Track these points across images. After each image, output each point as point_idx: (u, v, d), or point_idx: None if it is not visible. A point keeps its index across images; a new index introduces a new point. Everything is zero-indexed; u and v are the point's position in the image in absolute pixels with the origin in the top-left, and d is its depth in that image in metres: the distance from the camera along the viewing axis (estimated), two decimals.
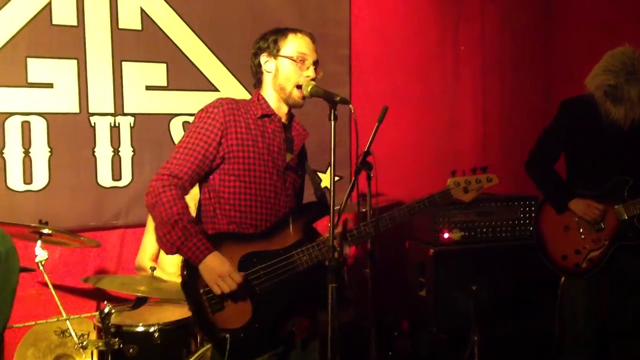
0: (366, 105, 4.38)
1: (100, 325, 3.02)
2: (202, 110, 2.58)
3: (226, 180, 2.55)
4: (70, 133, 3.91)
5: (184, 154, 2.50)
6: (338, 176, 4.61)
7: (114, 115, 4.02)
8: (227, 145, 2.52)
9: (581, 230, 3.53)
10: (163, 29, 4.15)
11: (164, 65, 4.17)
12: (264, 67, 2.65)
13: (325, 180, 4.55)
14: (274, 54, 2.62)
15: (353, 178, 3.45)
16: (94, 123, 3.97)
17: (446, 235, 4.28)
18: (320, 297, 2.47)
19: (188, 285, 2.47)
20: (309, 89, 2.56)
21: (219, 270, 2.38)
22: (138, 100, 4.10)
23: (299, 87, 2.61)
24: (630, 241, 3.46)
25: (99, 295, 3.87)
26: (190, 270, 2.44)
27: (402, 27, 5.01)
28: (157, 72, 4.15)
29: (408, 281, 4.44)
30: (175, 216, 2.39)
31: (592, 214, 3.46)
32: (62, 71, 3.88)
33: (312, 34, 2.70)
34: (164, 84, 4.18)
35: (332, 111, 2.41)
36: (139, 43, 4.08)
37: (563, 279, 3.65)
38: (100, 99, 3.98)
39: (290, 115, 2.74)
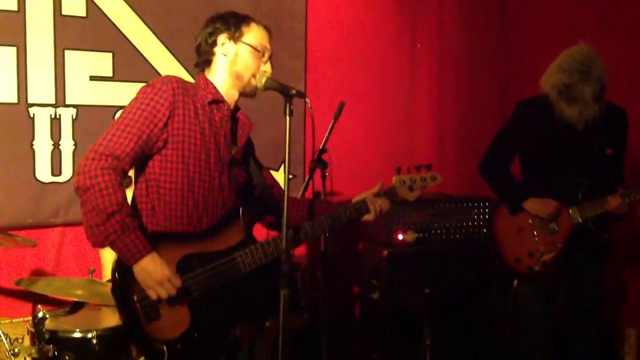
0: (322, 101, 4.31)
1: (33, 330, 2.83)
2: (148, 85, 2.36)
3: (168, 168, 2.34)
4: (7, 124, 3.69)
5: (127, 132, 2.24)
6: (292, 174, 4.48)
7: (54, 106, 3.82)
8: (172, 128, 2.32)
9: (535, 232, 3.48)
10: (109, 16, 3.96)
11: (110, 54, 3.98)
12: (220, 49, 2.47)
13: (278, 178, 4.41)
14: (235, 38, 2.46)
15: (307, 176, 3.39)
16: (33, 114, 3.76)
17: (400, 237, 4.21)
18: (267, 300, 2.39)
19: (119, 290, 2.25)
20: (262, 81, 2.44)
21: (158, 273, 2.18)
22: (81, 91, 3.90)
23: (254, 77, 2.49)
24: (584, 245, 3.41)
25: (35, 298, 3.66)
26: (122, 273, 2.23)
27: (359, 21, 4.91)
28: (102, 62, 3.95)
29: (361, 283, 4.35)
30: (114, 206, 2.15)
31: (546, 210, 3.41)
32: None
33: (270, 28, 2.58)
34: (110, 74, 3.99)
35: (288, 105, 2.29)
36: (84, 31, 3.88)
37: (516, 282, 3.61)
38: (41, 89, 3.77)
39: (236, 105, 2.57)
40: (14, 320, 3.19)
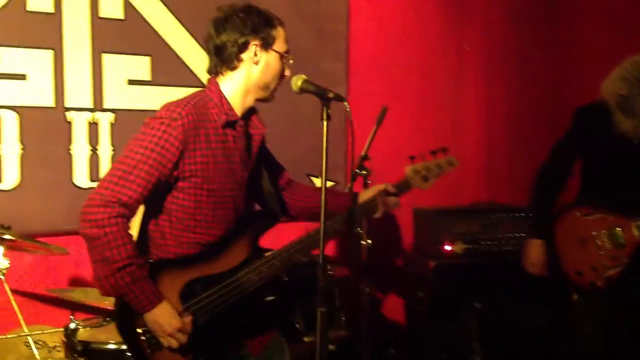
0: (364, 106, 4.13)
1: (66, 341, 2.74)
2: (157, 119, 2.21)
3: (180, 198, 2.25)
4: (45, 129, 3.61)
5: (135, 175, 2.14)
6: (333, 181, 4.34)
7: (92, 110, 3.74)
8: (182, 164, 2.21)
9: (599, 245, 3.26)
10: (147, 19, 3.86)
11: (148, 58, 3.88)
12: (252, 57, 2.31)
13: (319, 185, 4.28)
14: (267, 45, 2.33)
15: (349, 184, 3.23)
16: (71, 119, 3.68)
17: (448, 248, 4.03)
18: (274, 312, 2.39)
19: (124, 324, 2.23)
20: (299, 83, 2.27)
21: (168, 326, 2.16)
22: (119, 95, 3.81)
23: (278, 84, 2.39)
24: None
25: (72, 307, 3.58)
26: (124, 308, 2.19)
27: (403, 22, 4.74)
28: (141, 65, 3.86)
29: (406, 296, 4.18)
30: (125, 260, 2.10)
31: (533, 267, 3.39)
32: (36, 62, 3.59)
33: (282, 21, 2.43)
34: (148, 78, 3.89)
35: (325, 109, 2.17)
36: (121, 33, 3.79)
37: (575, 297, 3.39)
38: (78, 93, 3.69)
39: (251, 108, 2.44)
40: (44, 332, 3.10)
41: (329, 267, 3.13)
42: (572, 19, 5.10)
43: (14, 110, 3.55)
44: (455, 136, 4.97)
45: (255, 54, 2.31)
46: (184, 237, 2.27)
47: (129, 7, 3.80)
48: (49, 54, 3.62)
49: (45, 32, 3.60)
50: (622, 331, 3.35)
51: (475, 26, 5.02)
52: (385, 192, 2.58)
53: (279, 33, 2.35)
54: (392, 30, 4.70)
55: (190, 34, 3.99)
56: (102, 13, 3.74)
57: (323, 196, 2.13)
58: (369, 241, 3.12)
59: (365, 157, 3.21)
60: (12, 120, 3.55)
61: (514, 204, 4.37)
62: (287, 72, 2.40)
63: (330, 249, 3.50)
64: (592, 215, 3.32)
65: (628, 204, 3.22)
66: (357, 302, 3.81)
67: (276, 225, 2.46)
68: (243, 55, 2.30)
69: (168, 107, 2.24)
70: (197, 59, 4.00)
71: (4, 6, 3.50)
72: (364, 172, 3.13)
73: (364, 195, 2.60)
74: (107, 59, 3.77)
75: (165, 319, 2.15)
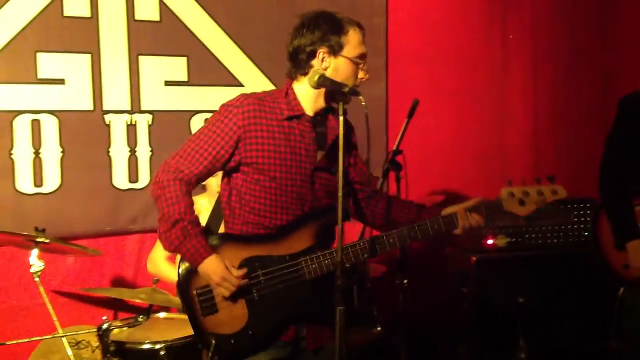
0: (405, 100, 4.07)
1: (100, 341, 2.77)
2: (224, 105, 2.42)
3: (248, 181, 2.40)
4: (84, 132, 3.68)
5: (195, 150, 2.36)
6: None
7: (130, 112, 3.79)
8: (244, 150, 2.36)
9: None
10: (183, 20, 3.89)
11: (184, 59, 3.91)
12: (319, 63, 2.38)
13: None
14: (335, 52, 2.37)
15: (381, 179, 3.18)
16: (109, 121, 3.74)
17: (490, 242, 3.93)
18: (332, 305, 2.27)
19: (182, 284, 2.37)
20: (315, 78, 2.31)
21: (217, 274, 2.29)
22: (156, 97, 3.85)
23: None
24: None
25: (111, 306, 3.64)
26: (185, 270, 2.36)
27: (444, 14, 4.65)
28: (177, 67, 3.90)
29: (447, 292, 4.09)
30: (177, 215, 2.30)
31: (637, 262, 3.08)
32: (74, 66, 3.66)
33: (360, 23, 2.47)
34: (185, 78, 3.92)
35: (341, 104, 2.19)
36: (157, 35, 3.83)
37: (622, 290, 3.26)
38: (116, 95, 3.75)
39: (326, 108, 2.48)
40: (78, 332, 3.15)
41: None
42: (626, 11, 4.92)
43: (53, 114, 3.63)
44: (500, 130, 4.86)
45: (323, 60, 2.38)
46: (250, 218, 2.40)
47: (164, 9, 3.85)
48: (86, 58, 3.68)
49: (82, 37, 3.67)
50: None
51: (521, 16, 4.89)
52: (467, 208, 2.49)
53: (350, 38, 2.39)
54: (432, 23, 4.62)
55: (226, 33, 4.01)
56: (138, 15, 3.79)
57: (340, 193, 2.16)
58: None
59: (397, 152, 3.16)
60: (51, 125, 3.63)
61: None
62: (362, 75, 2.44)
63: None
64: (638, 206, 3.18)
65: None
66: (395, 299, 3.75)
67: (346, 221, 2.39)
68: (313, 62, 2.39)
69: (238, 97, 2.42)
70: (233, 58, 4.03)
71: (41, 12, 3.58)
72: (395, 167, 3.08)
73: (448, 210, 2.53)
74: (144, 60, 3.81)
75: (215, 268, 2.28)
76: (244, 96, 2.41)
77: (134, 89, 3.79)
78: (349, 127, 2.62)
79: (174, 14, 3.87)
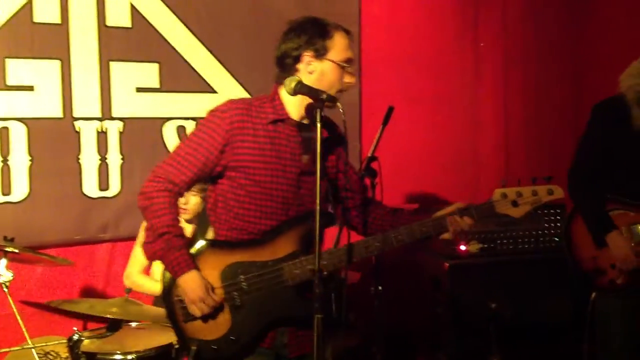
0: (378, 106, 4.09)
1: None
2: (211, 111, 2.43)
3: (234, 187, 2.40)
4: (53, 139, 3.64)
5: (184, 158, 2.37)
6: None
7: (101, 119, 3.75)
8: (231, 154, 2.36)
9: None
10: (155, 26, 3.86)
11: (156, 65, 3.89)
12: (305, 67, 2.38)
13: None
14: (321, 55, 2.36)
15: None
16: (79, 128, 3.69)
17: (463, 248, 3.95)
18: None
19: (165, 290, 2.37)
20: (292, 85, 2.28)
21: (193, 293, 2.29)
22: (128, 104, 3.81)
23: (339, 92, 2.41)
24: None
25: (80, 317, 3.58)
26: (169, 276, 2.36)
27: (416, 21, 4.68)
28: (149, 73, 3.86)
29: (421, 298, 4.10)
30: (164, 228, 2.30)
31: (628, 264, 3.11)
32: (44, 73, 3.61)
33: (346, 27, 2.48)
34: (156, 85, 3.89)
35: (318, 111, 2.17)
36: (129, 41, 3.80)
37: (594, 295, 3.29)
38: (86, 102, 3.71)
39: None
40: (48, 344, 3.10)
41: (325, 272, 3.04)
42: (596, 13, 4.98)
43: (22, 122, 3.58)
44: (472, 134, 4.90)
45: (309, 64, 2.38)
46: (235, 223, 2.39)
47: (136, 15, 3.81)
48: (56, 64, 3.64)
49: (52, 43, 3.62)
50: None
51: (492, 22, 4.93)
52: (462, 212, 2.46)
53: (335, 42, 2.39)
54: (404, 30, 4.64)
55: (198, 39, 3.98)
56: (109, 22, 3.75)
57: (317, 200, 2.15)
58: None
59: (372, 158, 3.16)
60: (20, 132, 3.57)
61: None
62: (348, 79, 2.43)
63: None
64: (612, 212, 3.21)
65: None
66: (370, 306, 3.74)
67: (331, 227, 2.48)
68: (299, 66, 2.39)
69: (225, 102, 2.44)
70: (205, 65, 4.00)
71: (10, 18, 3.52)
72: (370, 174, 3.08)
73: (438, 214, 2.51)
74: (115, 67, 3.77)
75: (191, 285, 2.28)
76: (231, 101, 2.43)
77: (105, 96, 3.75)
78: (341, 133, 2.59)
79: (145, 19, 3.84)
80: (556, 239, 4.03)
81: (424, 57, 4.70)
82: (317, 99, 2.21)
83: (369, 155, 3.14)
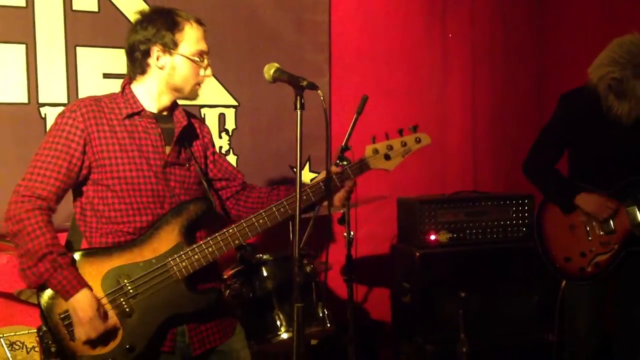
0: (348, 96, 4.10)
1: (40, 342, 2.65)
2: (60, 113, 2.33)
3: (99, 191, 2.30)
4: (18, 125, 3.53)
5: (45, 168, 2.24)
6: (316, 173, 4.27)
7: (66, 105, 3.64)
8: (92, 153, 2.28)
9: (589, 230, 3.22)
10: (122, 10, 3.77)
11: (123, 51, 3.76)
12: (155, 62, 2.34)
13: (304, 177, 4.20)
14: (170, 49, 2.32)
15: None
16: (45, 114, 3.60)
17: (433, 237, 3.97)
18: (208, 303, 2.33)
19: (44, 312, 2.23)
20: (271, 72, 2.25)
21: (83, 313, 2.17)
22: (94, 89, 3.66)
23: (197, 85, 2.40)
24: None
25: None
26: (47, 297, 2.22)
27: (386, 12, 4.67)
28: (116, 58, 3.75)
29: (392, 287, 4.12)
30: (44, 248, 2.16)
31: (603, 212, 3.16)
32: (8, 57, 3.50)
33: (199, 18, 2.42)
34: (124, 71, 3.65)
35: (299, 98, 2.14)
36: (96, 26, 3.70)
37: (564, 283, 3.35)
38: (52, 87, 3.61)
39: (172, 105, 2.44)
40: (17, 333, 3.03)
41: (306, 261, 3.05)
42: (558, 5, 5.05)
43: None
44: (440, 126, 4.91)
45: (159, 59, 2.34)
46: (108, 228, 2.30)
47: (103, 0, 3.72)
48: (21, 49, 3.54)
49: (16, 27, 3.52)
50: (611, 318, 3.30)
51: (460, 15, 4.95)
52: (339, 176, 2.48)
53: (187, 35, 2.34)
54: (374, 20, 4.63)
55: None
56: (76, 6, 3.66)
57: (298, 188, 2.11)
58: (352, 232, 3.06)
59: (345, 148, 3.14)
60: None
61: (498, 192, 4.32)
62: (203, 72, 2.38)
63: (311, 241, 3.43)
64: None
65: (618, 189, 3.17)
66: (340, 295, 3.75)
67: (211, 212, 2.44)
68: (149, 61, 2.34)
69: (74, 102, 2.36)
70: None
71: None
72: (344, 162, 3.07)
73: (313, 181, 2.52)
74: (82, 52, 3.69)
75: (82, 305, 2.17)
76: (79, 100, 2.36)
77: (71, 81, 3.66)
78: (201, 121, 2.61)
79: (113, 4, 3.75)
80: (524, 228, 4.08)
81: (393, 47, 4.70)
82: (297, 85, 2.17)
83: (343, 145, 3.12)
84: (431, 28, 4.86)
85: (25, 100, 3.56)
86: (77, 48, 3.67)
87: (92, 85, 3.70)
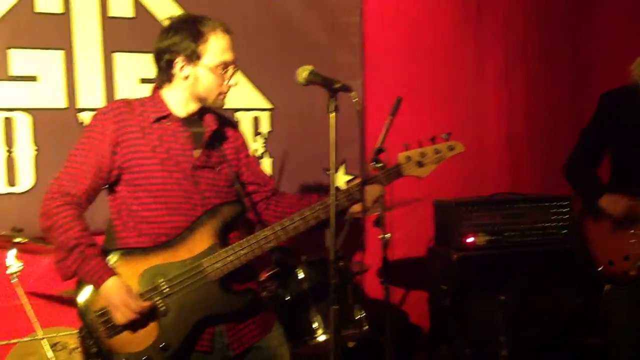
0: (381, 98, 4.06)
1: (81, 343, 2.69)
2: (92, 116, 2.41)
3: (133, 191, 2.35)
4: (56, 130, 3.59)
5: (76, 168, 2.31)
6: (352, 175, 4.26)
7: None
8: (122, 154, 2.32)
9: (632, 233, 3.15)
10: (157, 16, 3.81)
11: None
12: (178, 72, 2.36)
13: (338, 180, 4.19)
14: (193, 61, 2.33)
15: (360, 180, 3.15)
16: (83, 119, 3.65)
17: (470, 240, 3.91)
18: (245, 304, 2.35)
19: (82, 308, 2.29)
20: (304, 74, 2.25)
21: (116, 298, 2.22)
22: (131, 94, 3.72)
23: (221, 95, 2.41)
24: None
25: None
26: (82, 293, 2.28)
27: (419, 12, 4.64)
28: (152, 64, 3.79)
29: (429, 290, 4.08)
30: (72, 241, 2.23)
31: (615, 208, 3.13)
32: (47, 63, 3.58)
33: (228, 26, 2.41)
34: None
35: (332, 101, 2.15)
36: (132, 32, 3.75)
37: (606, 287, 3.28)
38: (90, 93, 3.66)
39: (200, 111, 2.45)
40: (59, 334, 3.08)
41: (341, 263, 3.04)
42: (595, 7, 4.97)
43: (26, 112, 3.54)
44: (475, 127, 4.86)
45: (182, 69, 2.35)
46: (144, 228, 2.33)
47: (138, 6, 3.78)
48: (59, 55, 3.60)
49: (55, 33, 3.58)
50: None
51: (495, 15, 4.90)
52: (371, 181, 2.50)
53: (211, 46, 2.34)
54: (407, 21, 4.61)
55: None
56: (112, 12, 3.72)
57: (332, 191, 2.14)
58: (388, 235, 3.03)
59: (380, 150, 3.13)
60: (25, 123, 3.54)
61: (536, 194, 4.25)
62: (228, 82, 2.40)
63: (347, 243, 3.42)
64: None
65: None
66: (377, 298, 3.73)
67: (244, 215, 2.48)
68: (173, 71, 2.37)
69: (105, 105, 2.42)
70: None
71: (11, 8, 3.49)
72: (378, 165, 3.05)
73: (346, 187, 2.52)
74: (118, 57, 3.74)
75: (113, 291, 2.21)
76: (111, 102, 2.43)
77: (109, 87, 3.71)
78: (233, 125, 2.62)
79: (148, 10, 3.80)
80: (563, 230, 4.01)
81: (428, 48, 4.67)
82: (331, 88, 2.17)
83: (377, 147, 3.11)
84: (465, 28, 4.82)
85: (64, 106, 3.62)
86: (114, 54, 3.72)
87: (129, 90, 3.74)
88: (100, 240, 2.42)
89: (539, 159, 4.89)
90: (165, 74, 2.39)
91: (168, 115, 2.38)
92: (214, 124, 2.45)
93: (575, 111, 4.89)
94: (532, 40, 5.01)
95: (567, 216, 4.00)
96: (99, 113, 2.37)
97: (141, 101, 2.42)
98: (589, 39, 5.01)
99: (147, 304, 2.24)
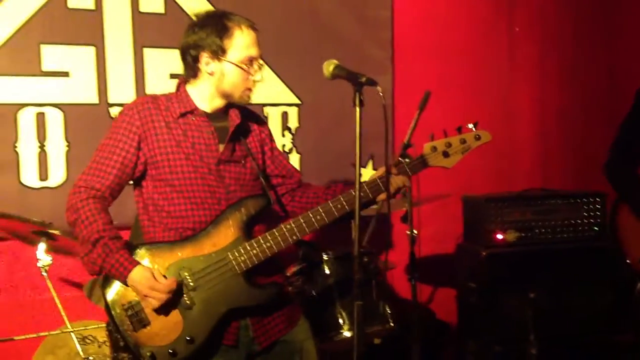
0: (411, 93, 4.03)
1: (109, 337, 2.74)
2: (120, 112, 2.43)
3: (158, 186, 2.37)
4: (88, 125, 3.63)
5: (101, 162, 2.34)
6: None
7: None
8: (147, 149, 2.35)
9: None
10: (188, 12, 3.83)
11: None
12: (204, 67, 2.37)
13: (366, 175, 4.18)
14: (218, 56, 2.33)
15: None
16: (114, 114, 3.68)
17: (500, 236, 3.86)
18: (270, 297, 2.35)
19: (107, 304, 2.30)
20: (330, 69, 2.23)
21: (143, 286, 2.22)
22: (162, 89, 3.71)
23: (247, 90, 2.40)
24: None
25: None
26: (109, 288, 2.30)
27: (450, 6, 4.60)
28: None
29: (457, 287, 4.05)
30: (96, 234, 2.24)
31: None
32: (79, 58, 3.62)
33: (254, 23, 2.41)
34: None
35: (357, 95, 2.13)
36: (162, 27, 3.78)
37: (639, 285, 3.23)
38: (121, 88, 3.71)
39: (227, 105, 2.45)
40: (87, 327, 3.12)
41: (366, 259, 3.03)
42: (633, 2, 4.87)
43: (58, 107, 3.60)
44: (507, 122, 4.80)
45: (208, 65, 2.36)
46: (170, 223, 2.35)
47: (169, 1, 3.80)
48: (91, 51, 3.65)
49: (86, 29, 3.63)
50: None
51: (528, 8, 4.83)
52: (396, 171, 2.47)
53: (236, 41, 2.34)
54: (438, 15, 4.57)
55: None
56: (143, 8, 3.75)
57: (357, 185, 2.12)
58: (415, 231, 3.02)
59: (407, 145, 3.11)
60: (56, 118, 3.59)
61: (568, 190, 4.19)
62: (259, 78, 2.40)
63: (374, 240, 3.40)
64: None
65: None
66: (404, 294, 3.71)
67: (269, 208, 2.46)
68: (199, 66, 2.38)
69: (134, 100, 2.44)
70: None
71: (44, 4, 3.54)
72: (406, 160, 3.03)
73: (371, 177, 2.50)
74: (149, 53, 3.77)
75: (139, 279, 2.21)
76: (138, 98, 2.45)
77: (139, 82, 3.75)
78: (258, 118, 2.61)
79: (179, 6, 3.83)
80: (596, 227, 3.94)
81: (458, 42, 4.62)
82: (356, 82, 2.15)
83: (405, 142, 3.09)
84: (497, 22, 4.76)
85: (96, 101, 3.67)
86: (145, 49, 3.76)
87: (159, 85, 3.78)
88: (126, 235, 2.44)
89: (571, 154, 4.82)
90: (191, 70, 2.40)
91: (193, 110, 2.40)
92: (237, 118, 2.46)
93: (610, 106, 4.81)
94: (566, 33, 4.93)
95: (599, 213, 3.93)
96: (125, 109, 2.39)
97: (167, 97, 2.44)
98: (626, 30, 4.91)
99: (173, 280, 2.25)
